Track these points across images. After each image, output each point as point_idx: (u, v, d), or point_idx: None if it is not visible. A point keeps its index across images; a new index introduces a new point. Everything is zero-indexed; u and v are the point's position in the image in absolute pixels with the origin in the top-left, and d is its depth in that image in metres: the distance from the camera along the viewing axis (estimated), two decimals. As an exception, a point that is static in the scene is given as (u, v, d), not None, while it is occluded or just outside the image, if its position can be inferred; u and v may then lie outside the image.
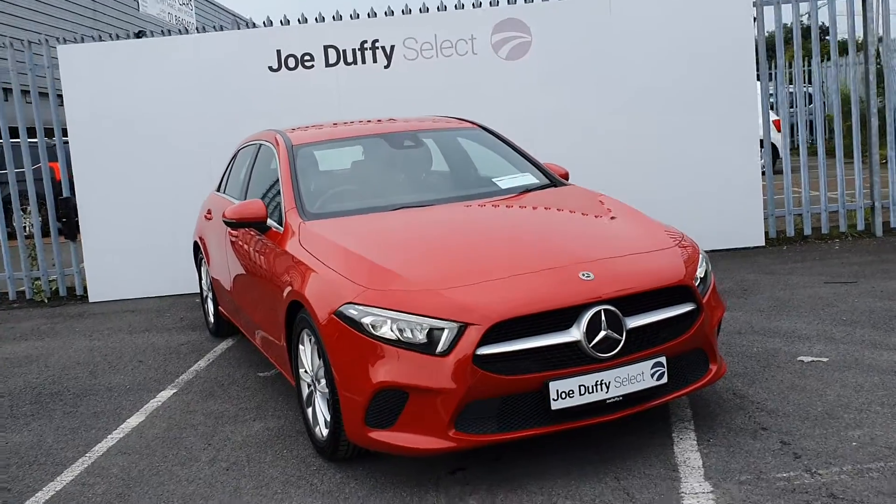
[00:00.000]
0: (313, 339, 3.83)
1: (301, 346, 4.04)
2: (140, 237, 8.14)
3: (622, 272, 3.70)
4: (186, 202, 7.55)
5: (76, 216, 8.21)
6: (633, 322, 3.53)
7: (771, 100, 10.93)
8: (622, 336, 3.48)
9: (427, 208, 4.58)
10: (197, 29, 10.43)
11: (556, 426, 3.45)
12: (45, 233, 9.01)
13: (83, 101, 8.07)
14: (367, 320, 3.49)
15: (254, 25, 9.13)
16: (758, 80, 8.26)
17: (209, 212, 6.31)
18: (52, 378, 5.80)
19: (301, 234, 4.31)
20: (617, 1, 7.96)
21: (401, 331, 3.42)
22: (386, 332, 3.44)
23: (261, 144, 5.57)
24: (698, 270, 3.90)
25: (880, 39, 9.04)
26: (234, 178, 6.09)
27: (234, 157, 6.31)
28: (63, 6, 21.59)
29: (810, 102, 13.97)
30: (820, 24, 9.96)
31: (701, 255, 4.05)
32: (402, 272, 3.69)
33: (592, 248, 3.93)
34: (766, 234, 8.35)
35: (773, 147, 10.78)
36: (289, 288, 4.07)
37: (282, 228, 4.53)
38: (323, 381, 3.80)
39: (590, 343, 3.43)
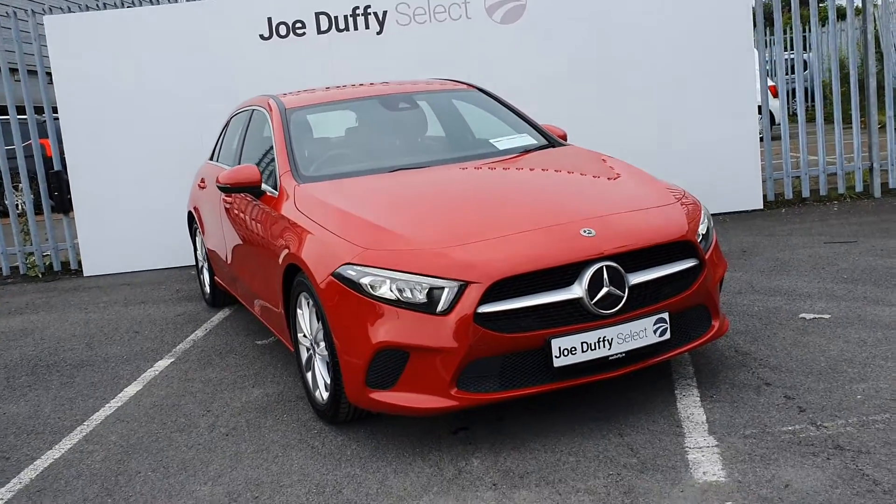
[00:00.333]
0: (311, 303, 3.78)
1: (299, 310, 3.99)
2: (134, 210, 8.04)
3: (624, 228, 3.65)
4: (180, 173, 7.46)
5: (68, 192, 8.13)
6: (636, 278, 3.49)
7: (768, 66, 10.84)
8: (624, 292, 3.44)
9: (424, 170, 4.52)
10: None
11: (558, 383, 3.42)
12: (38, 211, 8.91)
13: (72, 73, 7.94)
14: (365, 280, 3.43)
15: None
16: (755, 47, 8.17)
17: (202, 181, 6.22)
18: (49, 350, 5.75)
19: (296, 197, 4.24)
20: (612, -37, 7.85)
21: (400, 290, 3.37)
22: (385, 292, 3.39)
23: (253, 110, 5.49)
24: (700, 227, 3.86)
25: (875, 5, 8.94)
26: (227, 145, 6.01)
27: (227, 124, 6.22)
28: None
29: (807, 69, 13.89)
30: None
31: (703, 212, 4.00)
32: (401, 232, 3.63)
33: (593, 205, 3.87)
34: (765, 197, 8.30)
35: (770, 115, 10.70)
36: (285, 251, 4.01)
37: (276, 193, 4.46)
38: (322, 344, 3.76)
39: (592, 300, 3.38)
